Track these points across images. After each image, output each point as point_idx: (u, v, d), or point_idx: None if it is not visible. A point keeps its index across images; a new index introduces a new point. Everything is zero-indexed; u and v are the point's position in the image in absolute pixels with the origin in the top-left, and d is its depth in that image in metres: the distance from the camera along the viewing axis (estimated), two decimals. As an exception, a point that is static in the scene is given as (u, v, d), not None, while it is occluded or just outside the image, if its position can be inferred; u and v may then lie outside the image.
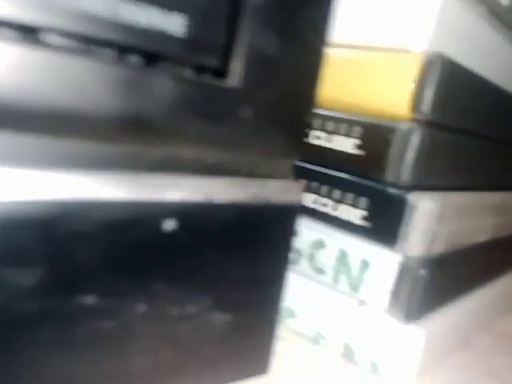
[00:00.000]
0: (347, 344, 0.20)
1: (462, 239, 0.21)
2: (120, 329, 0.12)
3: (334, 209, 0.20)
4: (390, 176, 0.19)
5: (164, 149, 0.12)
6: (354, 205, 0.19)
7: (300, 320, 0.21)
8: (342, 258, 0.20)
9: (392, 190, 0.18)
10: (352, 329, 0.20)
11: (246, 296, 0.14)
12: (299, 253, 0.21)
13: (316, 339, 0.21)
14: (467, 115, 0.20)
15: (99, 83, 0.10)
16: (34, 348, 0.10)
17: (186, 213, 0.12)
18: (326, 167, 0.21)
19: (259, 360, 0.16)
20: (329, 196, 0.20)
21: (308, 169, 0.21)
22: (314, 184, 0.21)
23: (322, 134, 0.20)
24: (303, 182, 0.15)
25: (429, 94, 0.18)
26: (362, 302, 0.20)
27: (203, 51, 0.12)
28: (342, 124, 0.20)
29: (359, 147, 0.19)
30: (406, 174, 0.18)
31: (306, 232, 0.21)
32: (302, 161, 0.21)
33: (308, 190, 0.21)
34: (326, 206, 0.20)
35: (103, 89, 0.10)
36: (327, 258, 0.20)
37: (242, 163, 0.14)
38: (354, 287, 0.20)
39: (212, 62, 0.12)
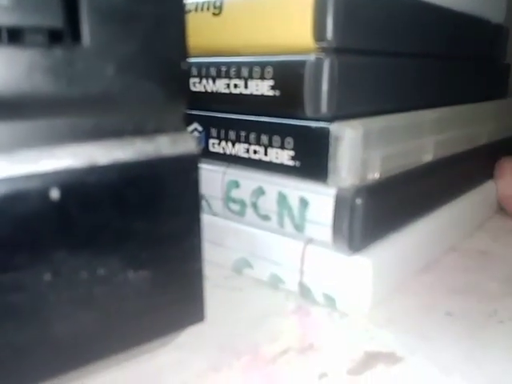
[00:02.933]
0: (302, 283, 0.20)
1: (400, 162, 0.20)
2: (30, 299, 0.12)
3: (265, 154, 0.20)
4: (308, 111, 0.18)
5: (34, 121, 0.12)
6: (282, 146, 0.19)
7: (256, 269, 0.22)
8: (282, 200, 0.20)
9: (313, 125, 0.18)
10: (306, 268, 0.20)
11: (160, 251, 0.14)
12: (243, 203, 0.21)
13: (275, 284, 0.21)
14: (379, 34, 0.19)
15: None
16: None
17: (71, 180, 0.12)
18: (249, 114, 0.20)
19: (192, 310, 0.16)
20: (258, 142, 0.20)
21: (234, 119, 0.21)
22: (243, 133, 0.21)
23: (240, 82, 0.20)
24: (194, 131, 0.14)
25: (329, 20, 0.17)
26: (309, 241, 0.20)
27: (42, 15, 0.11)
28: (254, 68, 0.19)
29: (274, 88, 0.19)
30: (324, 105, 0.18)
31: (245, 182, 0.21)
32: (226, 112, 0.21)
33: (238, 140, 0.21)
34: (258, 152, 0.20)
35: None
36: (269, 204, 0.20)
37: (125, 122, 0.13)
38: (299, 227, 0.20)
39: (56, 23, 0.12)
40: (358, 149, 0.18)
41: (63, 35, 0.12)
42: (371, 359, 0.16)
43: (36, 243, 0.12)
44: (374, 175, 0.19)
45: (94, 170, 0.13)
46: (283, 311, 0.19)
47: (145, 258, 0.14)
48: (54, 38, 0.12)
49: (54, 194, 0.12)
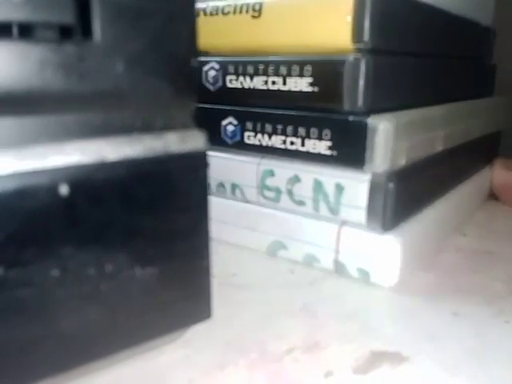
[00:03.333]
0: (337, 261, 0.22)
1: (420, 151, 0.23)
2: (38, 294, 0.12)
3: (302, 145, 0.22)
4: (346, 105, 0.20)
5: (43, 117, 0.12)
6: (320, 138, 0.21)
7: (291, 250, 0.24)
8: (318, 187, 0.22)
9: (351, 118, 0.20)
10: (340, 247, 0.22)
11: (167, 248, 0.14)
12: (279, 191, 0.23)
13: (309, 263, 0.23)
14: (406, 37, 0.22)
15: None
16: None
17: (79, 175, 0.12)
18: (287, 109, 0.22)
19: (199, 307, 0.16)
20: (295, 135, 0.22)
21: (271, 113, 0.23)
22: (279, 126, 0.23)
23: (278, 79, 0.22)
24: (204, 130, 0.15)
25: (366, 24, 0.19)
26: (343, 223, 0.22)
27: (54, 11, 0.12)
28: (293, 66, 0.21)
29: (313, 84, 0.21)
30: (360, 100, 0.20)
31: (281, 171, 0.23)
32: (263, 106, 0.23)
33: (275, 132, 0.23)
34: (295, 143, 0.22)
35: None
36: (305, 190, 0.22)
37: (134, 118, 0.14)
38: (334, 211, 0.22)
39: (67, 19, 0.12)
40: (390, 139, 0.20)
41: (74, 31, 0.12)
42: (377, 358, 0.17)
43: (44, 239, 0.12)
44: (401, 162, 0.21)
45: (102, 166, 0.13)
46: (289, 310, 0.20)
47: (152, 254, 0.14)
48: (65, 34, 0.12)
49: (63, 189, 0.12)
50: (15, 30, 0.11)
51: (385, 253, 0.21)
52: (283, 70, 0.22)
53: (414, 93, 0.24)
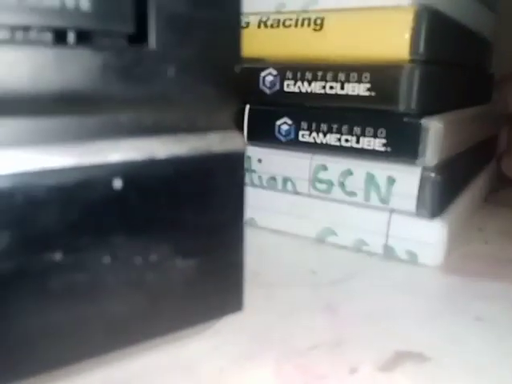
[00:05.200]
0: (386, 245, 0.25)
1: (455, 149, 0.26)
2: (90, 280, 0.13)
3: (357, 142, 0.25)
4: (402, 107, 0.23)
5: (102, 116, 0.13)
6: (375, 136, 0.24)
7: (341, 236, 0.27)
8: (370, 179, 0.25)
9: (406, 119, 0.23)
10: (390, 232, 0.25)
11: (206, 242, 0.15)
12: (330, 183, 0.26)
13: (358, 247, 0.26)
14: (447, 50, 0.25)
15: (34, 65, 0.12)
16: (12, 301, 0.12)
17: (132, 171, 0.13)
18: (343, 110, 0.25)
19: (231, 299, 0.17)
20: (350, 133, 0.25)
21: (326, 113, 0.26)
22: (335, 125, 0.25)
23: (336, 84, 0.25)
24: (243, 132, 0.16)
25: (422, 39, 0.23)
26: (392, 210, 0.25)
27: (118, 21, 0.13)
28: (352, 73, 0.24)
29: (370, 89, 0.24)
30: (414, 103, 0.23)
31: (334, 165, 0.26)
32: (319, 108, 0.26)
33: (330, 131, 0.26)
34: (349, 141, 0.25)
35: (39, 70, 0.12)
36: (357, 183, 0.25)
37: (180, 120, 0.15)
38: (384, 200, 0.25)
39: (129, 29, 0.13)
40: (440, 137, 0.23)
41: (134, 39, 0.13)
42: (401, 358, 0.17)
43: (98, 228, 0.13)
44: (444, 157, 0.25)
45: (153, 163, 0.14)
46: (314, 307, 0.20)
47: (192, 247, 0.15)
48: (127, 41, 0.13)
49: (117, 183, 0.13)
50: (71, 37, 0.12)
51: (432, 236, 0.24)
52: (341, 76, 0.25)
53: (448, 98, 0.27)
